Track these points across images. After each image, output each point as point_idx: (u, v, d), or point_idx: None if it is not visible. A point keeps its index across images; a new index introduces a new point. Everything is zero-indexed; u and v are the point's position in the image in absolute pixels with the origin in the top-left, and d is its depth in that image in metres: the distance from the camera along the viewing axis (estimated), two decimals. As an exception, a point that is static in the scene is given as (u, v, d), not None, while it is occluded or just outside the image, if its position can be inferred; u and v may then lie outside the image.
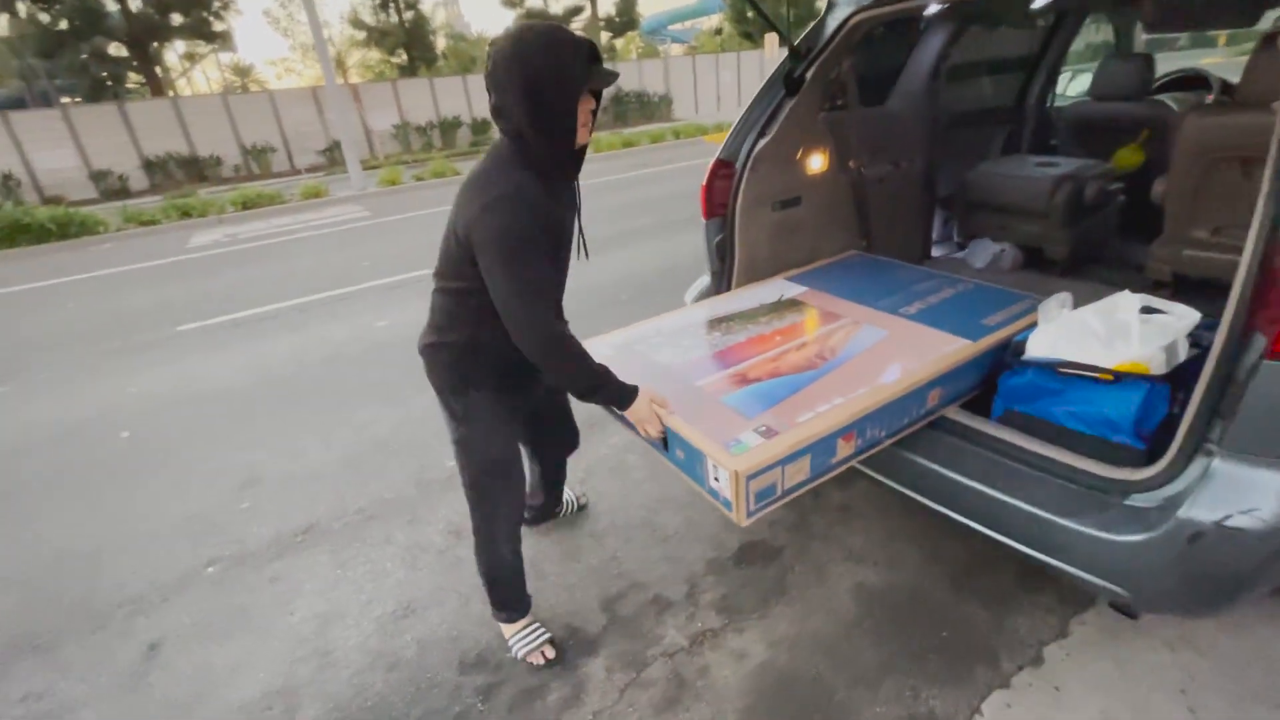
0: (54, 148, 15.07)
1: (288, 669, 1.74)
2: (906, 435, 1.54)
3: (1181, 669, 1.51)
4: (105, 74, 18.35)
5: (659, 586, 1.89)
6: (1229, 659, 1.52)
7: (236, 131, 16.98)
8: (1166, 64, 3.68)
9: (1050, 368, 1.43)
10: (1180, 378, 1.33)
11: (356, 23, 22.15)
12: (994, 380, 1.60)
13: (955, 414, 1.59)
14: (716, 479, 1.31)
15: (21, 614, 2.03)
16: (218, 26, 19.96)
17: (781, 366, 1.59)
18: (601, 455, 2.57)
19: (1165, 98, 2.96)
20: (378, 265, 6.03)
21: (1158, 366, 1.34)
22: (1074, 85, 3.98)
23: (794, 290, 2.05)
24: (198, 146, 16.47)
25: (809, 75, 2.00)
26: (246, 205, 10.01)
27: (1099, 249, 2.68)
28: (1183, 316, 1.40)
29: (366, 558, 2.13)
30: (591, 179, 9.47)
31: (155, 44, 19.01)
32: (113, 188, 15.29)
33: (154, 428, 3.22)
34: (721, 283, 2.28)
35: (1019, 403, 1.52)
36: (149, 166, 15.82)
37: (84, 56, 17.68)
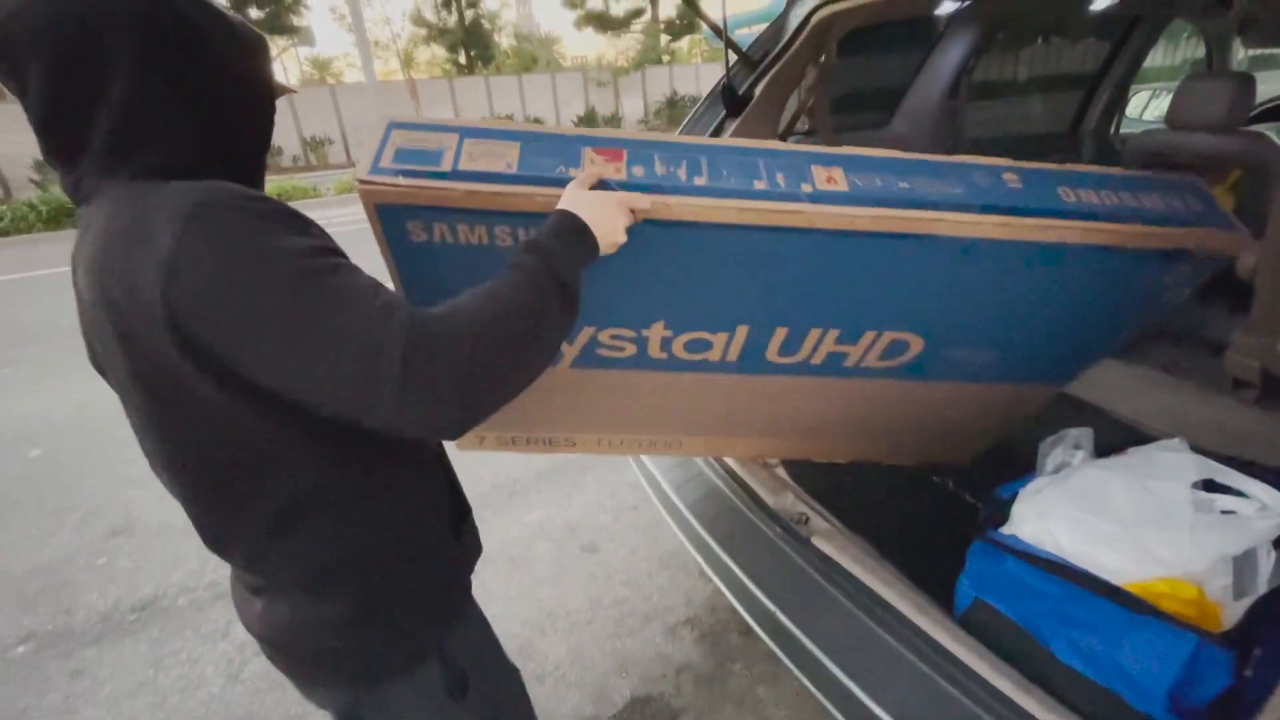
0: (130, 133, 15.79)
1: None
2: None
3: None
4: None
5: (508, 753, 1.44)
6: None
7: (298, 123, 17.45)
8: (1269, 85, 2.98)
9: (1039, 564, 0.91)
10: (1260, 620, 0.79)
11: (418, 20, 22.48)
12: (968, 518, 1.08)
13: (892, 592, 1.08)
14: None
15: None
16: (295, 22, 20.57)
17: None
18: (508, 538, 2.14)
19: (1267, 128, 2.31)
20: (375, 269, 5.78)
21: (1219, 593, 0.81)
22: (1154, 108, 3.29)
23: None
24: (262, 137, 16.99)
25: (758, 90, 1.51)
26: (280, 197, 10.05)
27: (1163, 322, 2.07)
28: (1271, 506, 0.85)
29: (190, 655, 1.77)
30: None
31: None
32: (180, 174, 15.91)
33: (69, 445, 2.98)
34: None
35: (995, 596, 1.00)
36: (213, 154, 16.41)
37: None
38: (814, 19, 1.43)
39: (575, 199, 0.71)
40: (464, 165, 0.78)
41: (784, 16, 1.53)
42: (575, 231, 0.68)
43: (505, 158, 0.80)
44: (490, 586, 1.93)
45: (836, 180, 0.85)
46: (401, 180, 0.75)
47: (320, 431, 0.60)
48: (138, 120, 0.57)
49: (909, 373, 1.11)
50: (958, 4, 1.72)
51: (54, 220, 8.77)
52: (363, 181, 0.76)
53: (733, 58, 1.54)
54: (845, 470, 1.41)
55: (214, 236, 0.51)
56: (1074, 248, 0.87)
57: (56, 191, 9.32)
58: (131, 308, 0.53)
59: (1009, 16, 2.06)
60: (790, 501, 1.28)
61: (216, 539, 0.67)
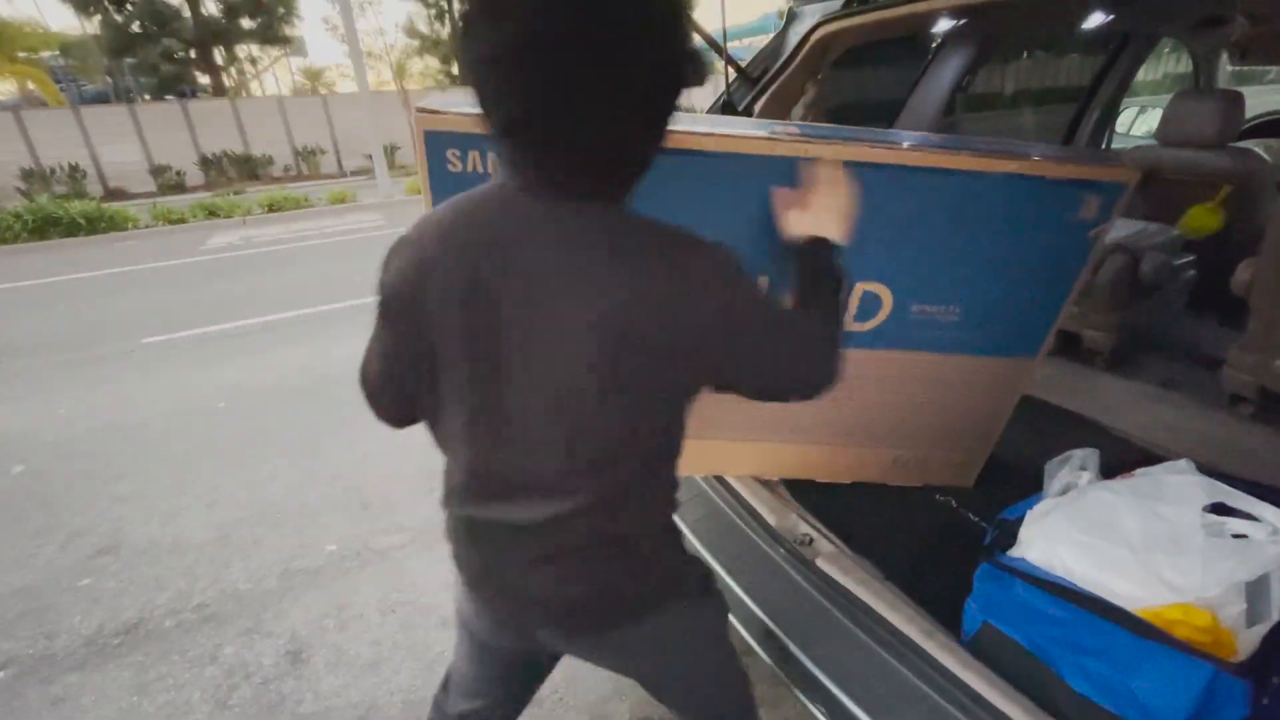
0: (119, 142, 15.66)
1: None
2: None
3: None
4: (174, 74, 19.08)
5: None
6: None
7: (290, 133, 17.38)
8: (1254, 101, 3.03)
9: (1049, 589, 0.90)
10: (1276, 648, 0.78)
11: (411, 31, 22.58)
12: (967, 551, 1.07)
13: (898, 616, 1.06)
14: None
15: None
16: (287, 32, 20.57)
17: None
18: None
19: (1254, 144, 2.34)
20: (369, 281, 5.74)
21: (1233, 620, 0.80)
22: (1141, 124, 3.33)
23: None
24: (253, 146, 16.90)
25: (758, 106, 1.51)
26: (272, 208, 9.99)
27: (1158, 337, 2.08)
28: (1281, 530, 0.84)
29: (176, 680, 1.72)
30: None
31: (220, 47, 19.73)
32: (170, 182, 15.78)
33: (52, 462, 2.92)
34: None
35: (1004, 621, 0.98)
36: (205, 163, 16.30)
37: (156, 56, 18.43)
38: (813, 38, 1.43)
39: (810, 225, 0.88)
40: None
41: (782, 35, 1.53)
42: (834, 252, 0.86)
43: None
44: (486, 606, 1.89)
45: (792, 130, 1.05)
46: (451, 110, 0.92)
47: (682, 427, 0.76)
48: (638, 150, 0.64)
49: (885, 340, 1.19)
50: (952, 23, 1.73)
51: (40, 231, 8.67)
52: (420, 110, 0.91)
53: (732, 74, 1.54)
54: (849, 491, 1.39)
55: (741, 275, 0.67)
56: (992, 176, 1.03)
57: (43, 201, 9.22)
58: (649, 315, 0.62)
59: (1003, 35, 2.08)
60: (794, 522, 1.26)
61: (586, 508, 0.71)
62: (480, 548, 0.81)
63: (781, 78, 1.49)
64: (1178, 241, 2.03)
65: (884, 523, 1.34)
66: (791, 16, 1.52)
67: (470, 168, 0.96)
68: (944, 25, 1.77)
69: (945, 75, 2.05)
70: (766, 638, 1.16)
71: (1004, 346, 1.24)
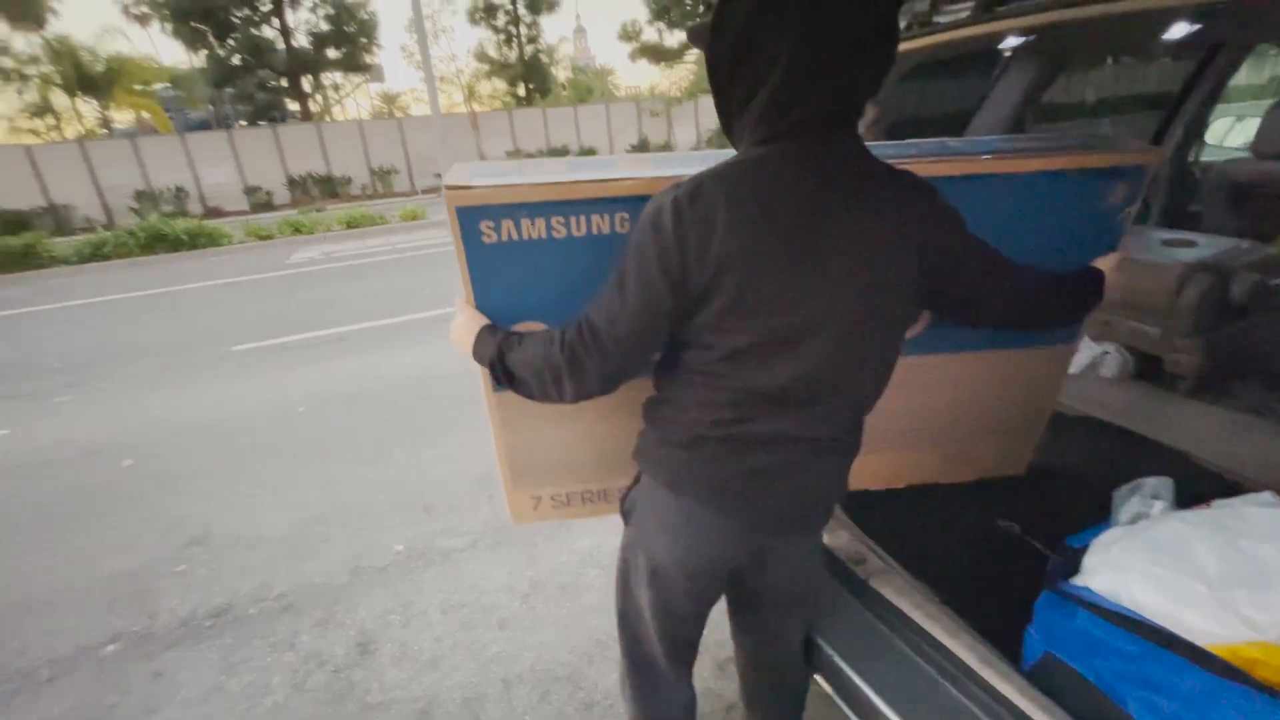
0: (218, 165, 17.07)
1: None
2: None
3: None
4: (268, 102, 20.64)
5: (555, 782, 1.45)
6: None
7: (367, 154, 18.47)
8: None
9: (1115, 620, 0.87)
10: (1366, 696, 0.73)
11: (481, 56, 23.59)
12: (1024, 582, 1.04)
13: (956, 642, 1.04)
14: None
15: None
16: (368, 60, 21.94)
17: None
18: (558, 565, 2.16)
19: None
20: (436, 294, 6.03)
21: (1320, 663, 0.75)
22: (1239, 133, 3.11)
23: None
24: (334, 167, 18.06)
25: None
26: (350, 225, 10.63)
27: (1249, 364, 1.94)
28: (1378, 570, 0.79)
29: (258, 664, 1.85)
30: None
31: (307, 76, 21.18)
32: (260, 201, 17.06)
33: (155, 457, 3.20)
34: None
35: (1066, 651, 0.95)
36: (291, 183, 17.52)
37: (252, 86, 19.99)
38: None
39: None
40: (526, 176, 0.95)
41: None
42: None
43: (556, 170, 0.98)
44: (540, 613, 1.95)
45: None
46: (478, 183, 0.91)
47: None
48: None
49: (924, 346, 1.16)
50: (1020, 39, 1.69)
51: (149, 246, 9.52)
52: (450, 187, 0.91)
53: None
54: (904, 510, 1.37)
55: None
56: (1018, 176, 1.03)
57: (153, 220, 10.13)
58: (927, 228, 0.80)
59: (1072, 50, 2.01)
60: (847, 540, 1.26)
61: (861, 405, 0.90)
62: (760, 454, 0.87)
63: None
64: (1275, 260, 1.90)
65: (941, 545, 1.32)
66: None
67: (504, 236, 0.96)
68: (1011, 41, 1.74)
69: (1015, 87, 2.00)
70: (819, 656, 1.16)
71: (1042, 338, 1.21)
